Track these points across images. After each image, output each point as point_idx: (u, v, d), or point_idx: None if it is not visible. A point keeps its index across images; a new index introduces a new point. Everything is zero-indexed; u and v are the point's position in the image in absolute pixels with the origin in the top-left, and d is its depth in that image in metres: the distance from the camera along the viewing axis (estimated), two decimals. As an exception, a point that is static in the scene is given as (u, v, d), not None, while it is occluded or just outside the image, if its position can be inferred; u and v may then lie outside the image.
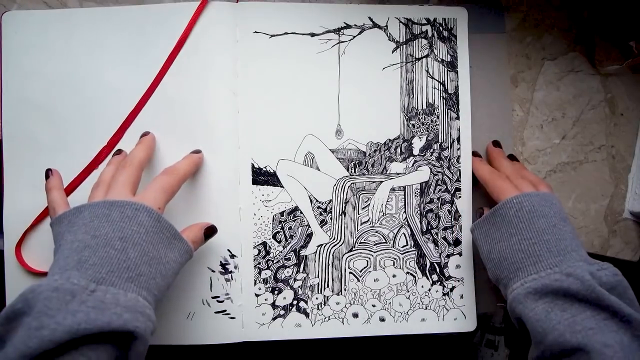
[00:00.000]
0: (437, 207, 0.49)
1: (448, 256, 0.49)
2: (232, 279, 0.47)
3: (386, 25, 0.49)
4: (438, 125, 0.49)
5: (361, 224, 0.48)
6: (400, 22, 0.49)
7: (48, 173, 0.44)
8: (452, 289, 0.49)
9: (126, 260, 0.35)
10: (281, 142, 0.48)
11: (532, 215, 0.40)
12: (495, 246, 0.42)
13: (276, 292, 0.48)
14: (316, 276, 0.48)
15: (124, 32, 0.46)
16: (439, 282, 0.49)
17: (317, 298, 0.48)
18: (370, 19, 0.48)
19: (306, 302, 0.48)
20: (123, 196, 0.38)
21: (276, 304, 0.48)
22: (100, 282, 0.33)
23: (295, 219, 0.48)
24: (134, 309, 0.33)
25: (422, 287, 0.49)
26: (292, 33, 0.48)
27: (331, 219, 0.48)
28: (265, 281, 0.48)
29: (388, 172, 0.49)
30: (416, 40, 0.49)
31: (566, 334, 0.35)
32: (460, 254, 0.49)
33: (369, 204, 0.49)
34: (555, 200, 0.42)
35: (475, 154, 0.49)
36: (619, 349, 0.33)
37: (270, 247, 0.48)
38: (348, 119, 0.48)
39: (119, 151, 0.46)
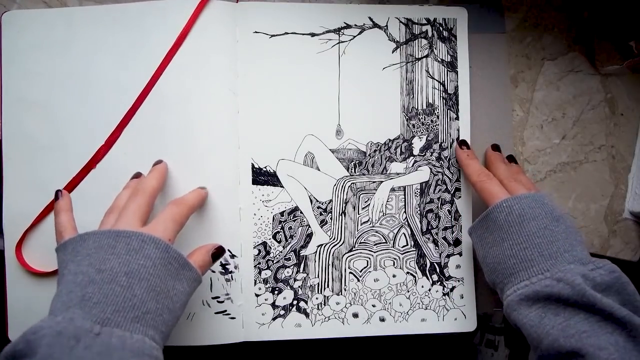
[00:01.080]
0: (437, 207, 0.49)
1: (448, 256, 0.49)
2: (232, 279, 0.47)
3: (386, 25, 0.49)
4: (438, 125, 0.49)
5: (361, 224, 0.48)
6: (400, 22, 0.49)
7: (58, 194, 0.42)
8: (452, 289, 0.49)
9: (132, 298, 0.33)
10: (281, 142, 0.48)
11: (523, 218, 0.40)
12: (490, 251, 0.42)
13: (276, 292, 0.48)
14: (316, 276, 0.48)
15: (123, 30, 0.46)
16: (439, 282, 0.49)
17: (317, 298, 0.48)
18: (370, 19, 0.48)
19: (306, 302, 0.48)
20: (131, 226, 0.37)
21: (276, 304, 0.48)
22: (105, 322, 0.32)
23: (295, 219, 0.48)
24: (140, 352, 0.32)
25: (422, 287, 0.49)
26: (292, 33, 0.48)
27: (331, 219, 0.48)
28: (265, 281, 0.48)
29: (388, 172, 0.49)
30: (416, 40, 0.49)
31: (560, 338, 0.35)
32: (460, 254, 0.49)
33: (369, 204, 0.49)
34: (546, 200, 0.41)
35: (462, 144, 0.48)
36: (614, 350, 0.33)
37: (270, 247, 0.48)
38: (348, 119, 0.48)
39: (138, 174, 0.45)
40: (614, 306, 0.35)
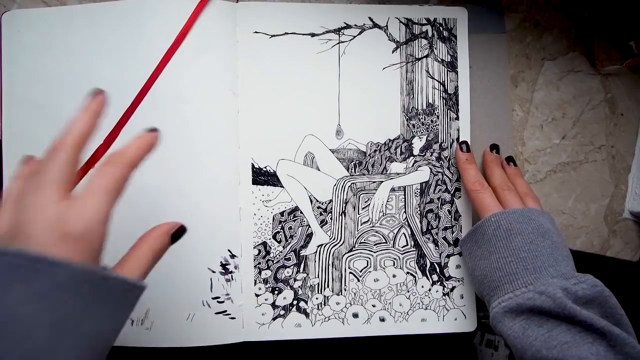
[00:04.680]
0: (437, 207, 0.49)
1: (448, 256, 0.49)
2: (232, 279, 0.47)
3: (386, 25, 0.48)
4: (438, 125, 0.49)
5: (361, 224, 0.48)
6: (401, 22, 0.49)
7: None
8: (452, 289, 0.49)
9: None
10: (281, 142, 0.48)
11: (509, 233, 0.41)
12: (478, 263, 0.43)
13: (276, 292, 0.48)
14: (316, 276, 0.48)
15: (123, 29, 0.46)
16: (439, 282, 0.49)
17: (317, 298, 0.48)
18: (370, 19, 0.48)
19: (306, 302, 0.48)
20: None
21: (276, 304, 0.48)
22: None
23: (295, 219, 0.48)
24: None
25: (422, 287, 0.49)
26: (292, 33, 0.48)
27: (331, 219, 0.48)
28: (266, 281, 0.48)
29: (388, 172, 0.49)
30: (416, 40, 0.49)
31: (543, 349, 0.36)
32: (460, 254, 0.49)
33: (369, 204, 0.49)
34: (535, 215, 0.42)
35: (462, 145, 0.48)
36: (595, 359, 0.34)
37: (270, 247, 0.48)
38: (348, 119, 0.48)
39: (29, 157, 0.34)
40: (594, 317, 0.36)
